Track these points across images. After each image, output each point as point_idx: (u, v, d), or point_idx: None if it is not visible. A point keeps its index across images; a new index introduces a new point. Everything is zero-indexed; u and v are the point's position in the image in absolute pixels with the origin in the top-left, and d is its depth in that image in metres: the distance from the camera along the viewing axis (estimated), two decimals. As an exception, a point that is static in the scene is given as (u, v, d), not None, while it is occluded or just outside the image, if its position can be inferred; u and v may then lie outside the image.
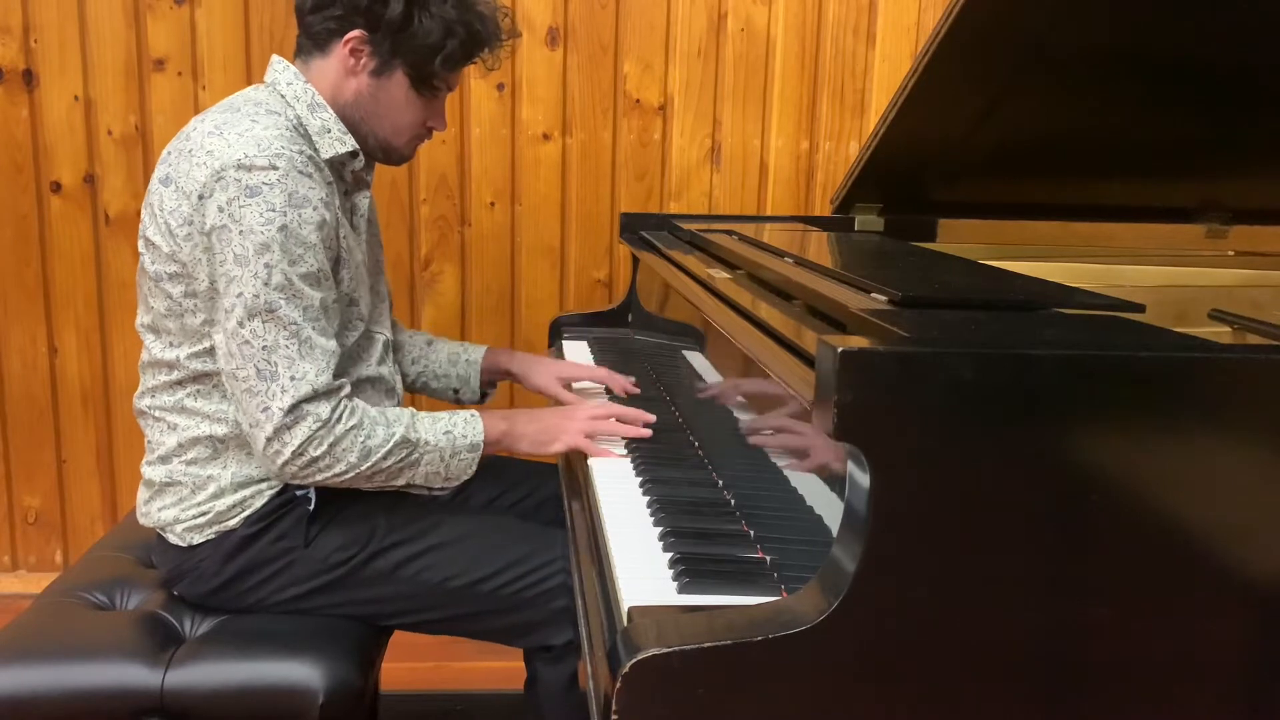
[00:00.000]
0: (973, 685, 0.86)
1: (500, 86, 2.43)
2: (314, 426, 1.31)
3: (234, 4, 2.35)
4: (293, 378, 1.30)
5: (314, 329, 1.32)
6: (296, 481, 1.37)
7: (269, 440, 1.31)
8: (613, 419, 1.47)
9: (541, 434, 1.47)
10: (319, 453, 1.32)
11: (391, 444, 1.36)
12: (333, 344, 1.35)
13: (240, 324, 1.29)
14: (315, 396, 1.31)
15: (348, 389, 1.37)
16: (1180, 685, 0.88)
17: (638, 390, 1.71)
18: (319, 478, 1.35)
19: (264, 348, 1.29)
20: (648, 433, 1.45)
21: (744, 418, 1.27)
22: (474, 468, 1.44)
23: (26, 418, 2.47)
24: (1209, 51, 1.54)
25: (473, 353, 1.78)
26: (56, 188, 2.39)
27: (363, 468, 1.35)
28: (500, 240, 2.50)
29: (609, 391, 1.72)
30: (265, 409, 1.30)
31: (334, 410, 1.32)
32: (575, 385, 1.76)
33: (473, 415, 1.44)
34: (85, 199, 2.40)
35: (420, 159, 2.44)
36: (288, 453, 1.31)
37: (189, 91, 2.37)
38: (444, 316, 2.50)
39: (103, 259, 2.42)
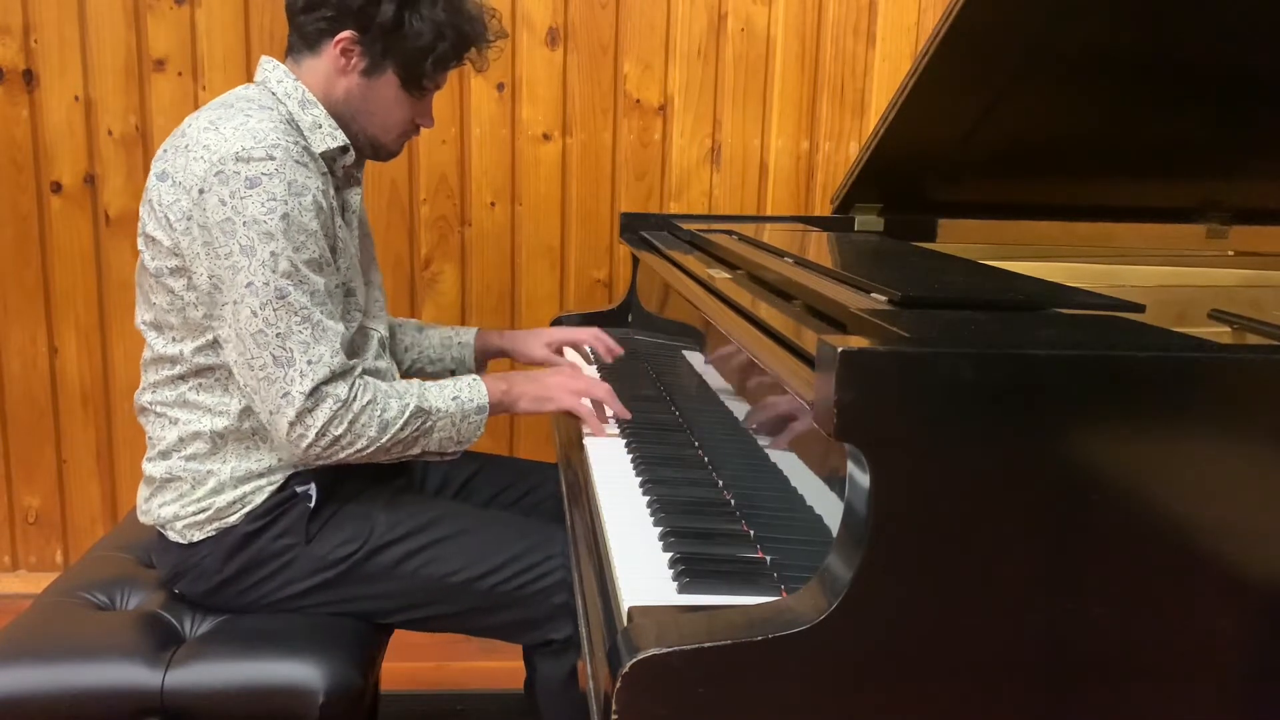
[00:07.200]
0: (973, 685, 0.86)
1: (500, 86, 2.43)
2: (334, 407, 1.34)
3: (234, 4, 2.35)
4: (309, 361, 1.32)
5: (323, 312, 1.35)
6: (320, 462, 1.39)
7: (292, 425, 1.33)
8: (605, 396, 1.53)
9: (540, 392, 1.53)
10: (340, 431, 1.35)
11: (407, 415, 1.39)
12: (340, 326, 1.38)
13: (253, 313, 1.31)
14: (332, 378, 1.34)
15: (360, 367, 1.40)
16: (1181, 685, 0.88)
17: (621, 351, 1.80)
18: (341, 455, 1.37)
19: (278, 335, 1.31)
20: (628, 414, 1.51)
21: (744, 417, 1.27)
22: (483, 429, 1.49)
23: (26, 418, 2.47)
24: (1209, 51, 1.54)
25: (464, 335, 1.84)
26: (56, 188, 2.39)
27: (382, 440, 1.38)
28: (500, 240, 2.50)
29: (599, 365, 1.80)
30: (285, 394, 1.32)
31: (350, 389, 1.35)
32: (567, 354, 1.85)
33: (475, 379, 1.49)
34: (85, 199, 2.40)
35: (420, 159, 2.44)
36: (311, 435, 1.33)
37: (189, 91, 2.37)
38: (444, 316, 2.50)
39: (103, 259, 2.42)
